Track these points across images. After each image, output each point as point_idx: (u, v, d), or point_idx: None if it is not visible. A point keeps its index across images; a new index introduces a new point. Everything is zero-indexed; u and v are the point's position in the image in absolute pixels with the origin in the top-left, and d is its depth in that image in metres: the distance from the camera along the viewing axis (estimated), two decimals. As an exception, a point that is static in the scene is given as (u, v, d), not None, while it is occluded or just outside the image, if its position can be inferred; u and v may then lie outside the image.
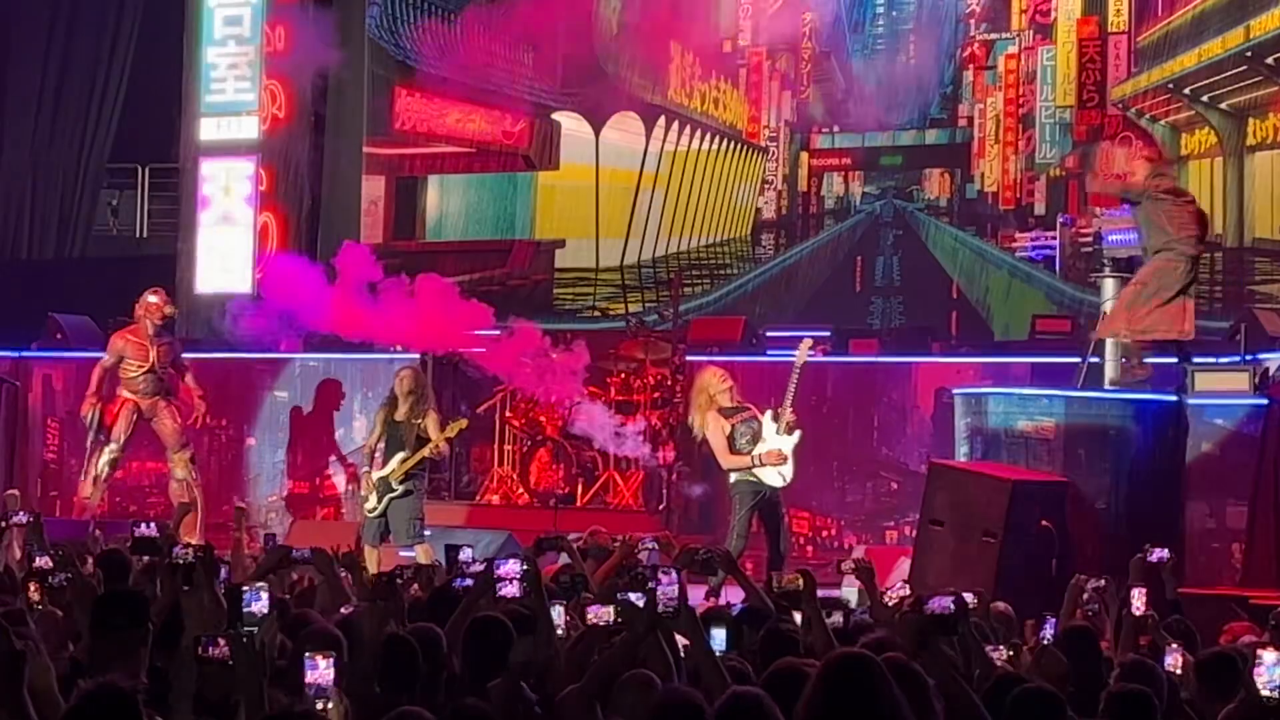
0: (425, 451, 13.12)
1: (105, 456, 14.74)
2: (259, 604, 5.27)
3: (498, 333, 15.26)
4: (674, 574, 5.64)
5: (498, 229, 20.96)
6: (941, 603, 5.78)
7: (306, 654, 4.92)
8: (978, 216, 19.18)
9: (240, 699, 4.92)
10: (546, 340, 15.26)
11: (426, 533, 13.21)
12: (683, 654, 5.67)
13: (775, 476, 12.57)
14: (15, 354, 17.27)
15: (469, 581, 7.66)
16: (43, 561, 7.64)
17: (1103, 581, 8.12)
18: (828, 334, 15.51)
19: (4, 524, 9.15)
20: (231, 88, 19.34)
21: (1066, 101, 18.64)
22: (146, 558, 7.95)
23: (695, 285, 19.86)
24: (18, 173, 21.00)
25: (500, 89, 20.28)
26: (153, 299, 14.88)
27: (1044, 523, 11.79)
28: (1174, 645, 7.01)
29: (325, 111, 19.66)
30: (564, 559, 9.58)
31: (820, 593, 6.93)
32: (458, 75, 19.86)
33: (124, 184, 21.53)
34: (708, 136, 20.34)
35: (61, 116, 20.96)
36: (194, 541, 8.32)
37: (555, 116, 20.40)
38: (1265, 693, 5.18)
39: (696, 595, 10.25)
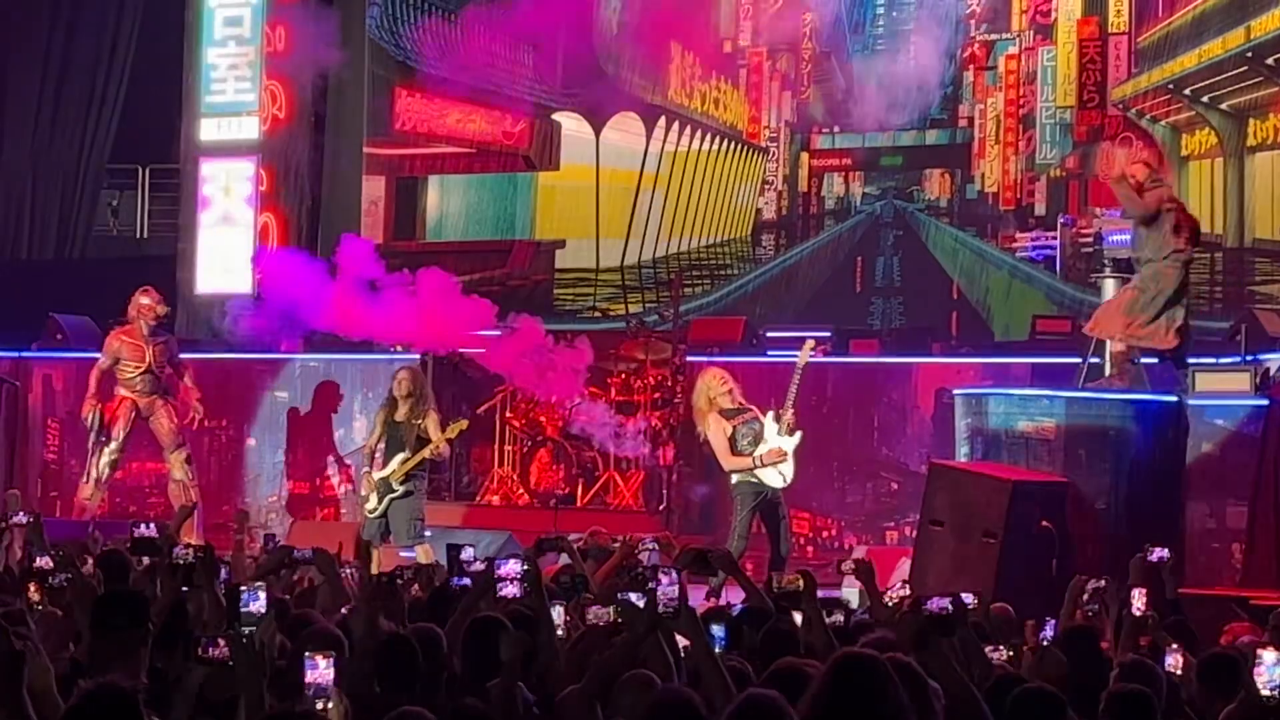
0: (426, 452, 13.12)
1: (105, 458, 14.74)
2: (256, 604, 5.27)
3: (499, 333, 15.24)
4: (674, 574, 5.63)
5: (498, 229, 20.96)
6: (940, 603, 5.79)
7: (306, 654, 4.92)
8: (978, 217, 19.18)
9: (240, 699, 4.93)
10: (549, 337, 15.24)
11: (427, 533, 13.21)
12: (683, 654, 5.67)
13: (776, 477, 12.58)
14: (15, 354, 17.27)
15: (466, 580, 7.66)
16: (43, 562, 7.64)
17: (1103, 582, 8.12)
18: (828, 334, 15.52)
19: (4, 524, 9.14)
20: (232, 88, 19.34)
21: (1067, 102, 18.64)
22: (147, 558, 7.95)
23: (695, 286, 19.85)
24: (18, 173, 21.00)
25: (500, 89, 20.28)
26: (144, 300, 14.87)
27: (1044, 523, 11.79)
28: (1174, 646, 7.01)
29: (325, 112, 19.66)
30: (564, 559, 9.59)
31: (820, 593, 6.93)
32: (458, 75, 19.85)
33: (124, 184, 21.53)
34: (708, 137, 20.34)
35: (62, 117, 20.96)
36: (194, 542, 8.33)
37: (555, 117, 20.39)
38: (1265, 692, 5.19)
39: (697, 596, 10.25)
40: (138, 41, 20.91)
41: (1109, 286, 13.48)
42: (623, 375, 16.33)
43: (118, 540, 9.83)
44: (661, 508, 15.72)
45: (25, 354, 17.30)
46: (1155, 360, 12.87)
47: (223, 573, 7.09)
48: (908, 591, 8.52)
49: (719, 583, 11.24)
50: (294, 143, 19.40)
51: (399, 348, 16.25)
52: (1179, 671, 6.61)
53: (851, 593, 9.22)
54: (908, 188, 19.65)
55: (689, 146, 20.33)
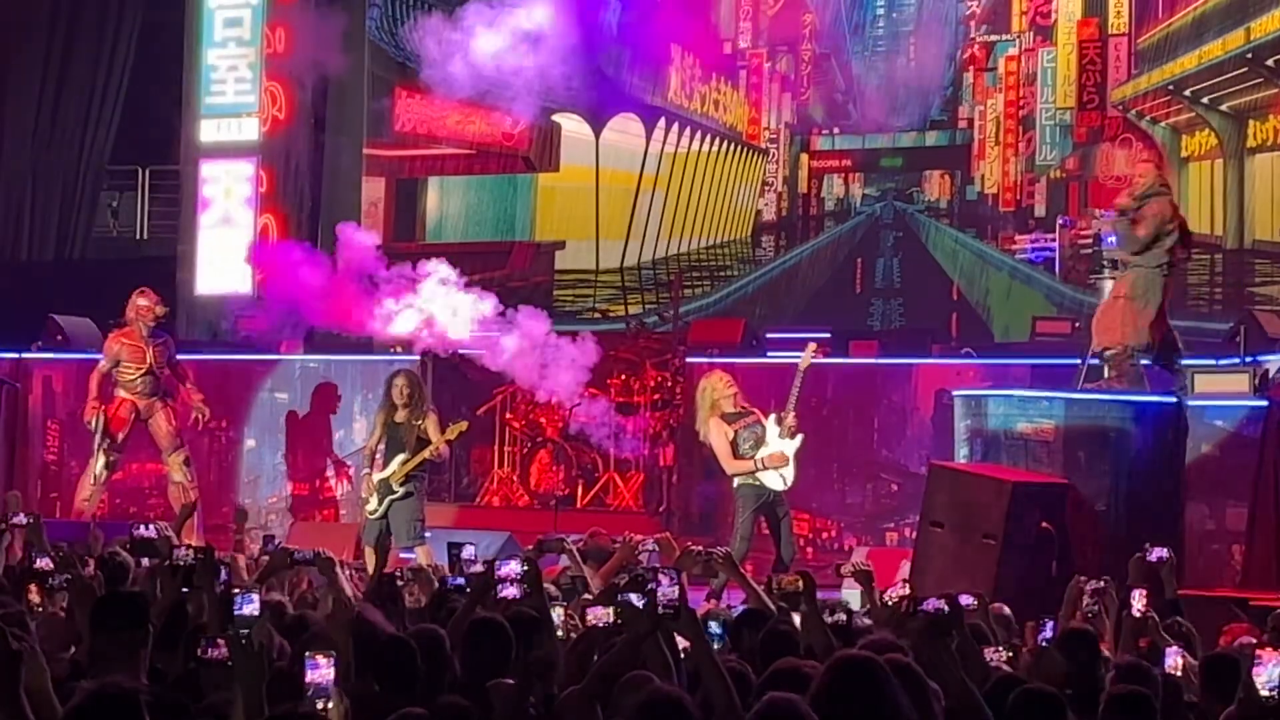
0: (426, 454, 13.11)
1: (103, 459, 14.73)
2: (250, 607, 5.27)
3: (498, 333, 15.19)
4: (674, 575, 5.63)
5: (498, 230, 20.97)
6: (936, 604, 5.80)
7: (307, 654, 4.92)
8: (978, 218, 19.20)
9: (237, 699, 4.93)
10: (552, 333, 15.20)
11: (427, 534, 13.20)
12: (683, 656, 5.67)
13: (777, 480, 12.58)
14: (15, 355, 17.26)
15: (461, 580, 7.66)
16: (43, 563, 7.63)
17: (1101, 583, 8.12)
18: (828, 335, 15.52)
19: (4, 525, 9.14)
20: (232, 89, 19.34)
21: (1067, 103, 18.65)
22: (148, 560, 7.95)
23: (695, 287, 19.87)
24: (18, 174, 20.99)
25: (501, 90, 20.27)
26: (142, 301, 14.86)
27: (1044, 524, 11.78)
28: (1174, 647, 7.01)
29: (325, 113, 19.67)
30: (564, 561, 9.59)
31: (820, 595, 6.93)
32: (458, 76, 19.83)
33: (124, 185, 21.53)
34: (708, 138, 20.35)
35: (62, 118, 20.95)
36: (194, 543, 8.33)
37: (555, 118, 20.40)
38: (1265, 693, 5.19)
39: (698, 598, 10.24)
40: (138, 43, 20.91)
41: (1108, 288, 13.47)
42: (622, 377, 16.32)
43: (118, 541, 9.83)
44: (661, 509, 15.72)
45: (25, 355, 17.29)
46: (1147, 362, 12.87)
47: (222, 574, 7.08)
48: (907, 591, 8.51)
49: (720, 584, 11.24)
50: (294, 144, 19.40)
51: (399, 348, 16.23)
52: (1179, 673, 6.61)
53: (852, 594, 9.21)
54: (908, 189, 19.66)
55: (689, 148, 20.34)
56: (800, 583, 6.92)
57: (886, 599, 7.89)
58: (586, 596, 8.22)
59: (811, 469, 14.20)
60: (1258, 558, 12.00)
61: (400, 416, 13.20)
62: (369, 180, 20.44)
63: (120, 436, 14.84)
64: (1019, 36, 19.01)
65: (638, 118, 20.32)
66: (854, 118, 19.85)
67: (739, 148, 20.28)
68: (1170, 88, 18.10)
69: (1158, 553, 8.42)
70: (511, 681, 5.76)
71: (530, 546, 9.84)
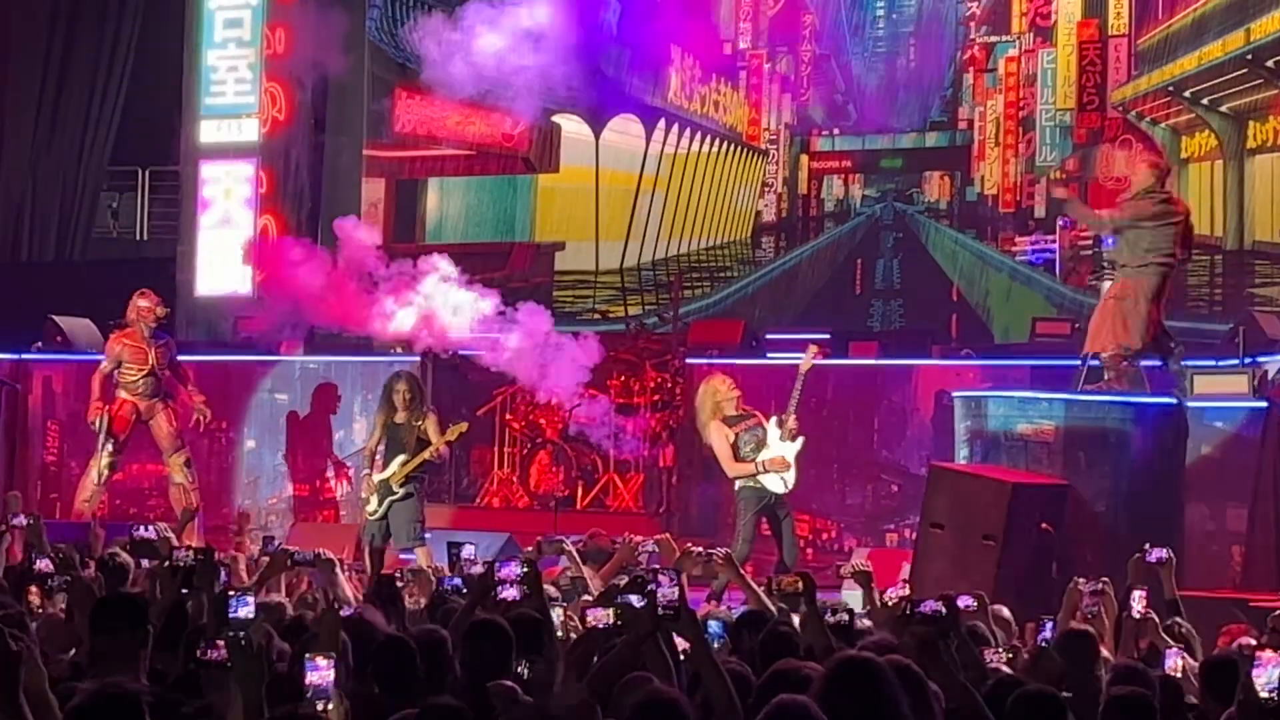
0: (426, 455, 13.11)
1: (103, 460, 14.72)
2: (245, 609, 5.27)
3: (499, 335, 15.18)
4: (673, 576, 5.63)
5: (498, 231, 20.97)
6: (933, 605, 5.81)
7: (307, 655, 4.93)
8: (978, 219, 19.20)
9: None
10: (553, 332, 15.19)
11: (427, 535, 13.20)
12: (683, 657, 5.67)
13: (778, 482, 12.58)
14: (15, 356, 17.25)
15: (458, 580, 7.66)
16: (43, 565, 7.64)
17: (1099, 585, 8.12)
18: (828, 336, 15.51)
19: (4, 527, 9.14)
20: (232, 90, 19.34)
21: (1067, 104, 18.66)
22: (148, 561, 7.96)
23: (695, 288, 19.87)
24: (18, 175, 20.99)
25: (501, 91, 20.26)
26: (143, 302, 14.86)
27: (1044, 525, 11.79)
28: (1174, 648, 7.01)
29: (325, 114, 19.67)
30: (564, 562, 9.59)
31: (820, 596, 6.94)
32: (458, 77, 19.84)
33: (124, 186, 21.53)
34: (708, 139, 20.36)
35: (61, 119, 20.95)
36: (194, 544, 8.33)
37: (555, 119, 20.40)
38: (1264, 695, 5.19)
39: (698, 600, 10.24)
40: (138, 43, 20.91)
41: (1106, 289, 13.49)
42: (622, 378, 16.32)
43: (117, 542, 9.83)
44: (661, 510, 15.72)
45: (25, 356, 17.28)
46: (1159, 363, 12.88)
47: (222, 575, 7.09)
48: (908, 592, 8.52)
49: (721, 585, 11.24)
50: (294, 145, 19.40)
51: (398, 349, 16.23)
52: (1178, 674, 6.62)
53: (851, 595, 9.21)
54: (907, 190, 19.67)
55: (689, 149, 20.34)
56: (800, 584, 6.92)
57: (886, 600, 7.90)
58: (586, 598, 8.22)
59: (812, 470, 14.20)
60: (1257, 559, 12.01)
61: (400, 417, 13.20)
62: (369, 181, 20.44)
63: (122, 437, 14.85)
64: (1019, 37, 19.02)
65: (637, 118, 20.33)
66: (854, 119, 19.86)
67: (739, 149, 20.28)
68: (1170, 89, 18.11)
69: (1157, 553, 8.41)
70: (511, 683, 5.76)
71: (530, 548, 9.85)
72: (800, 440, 12.61)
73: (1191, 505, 12.32)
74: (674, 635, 5.53)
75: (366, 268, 15.04)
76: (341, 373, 16.89)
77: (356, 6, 19.80)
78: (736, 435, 12.59)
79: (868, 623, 7.33)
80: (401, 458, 13.07)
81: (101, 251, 21.19)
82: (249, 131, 19.24)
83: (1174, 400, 12.51)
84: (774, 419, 12.65)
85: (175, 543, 8.64)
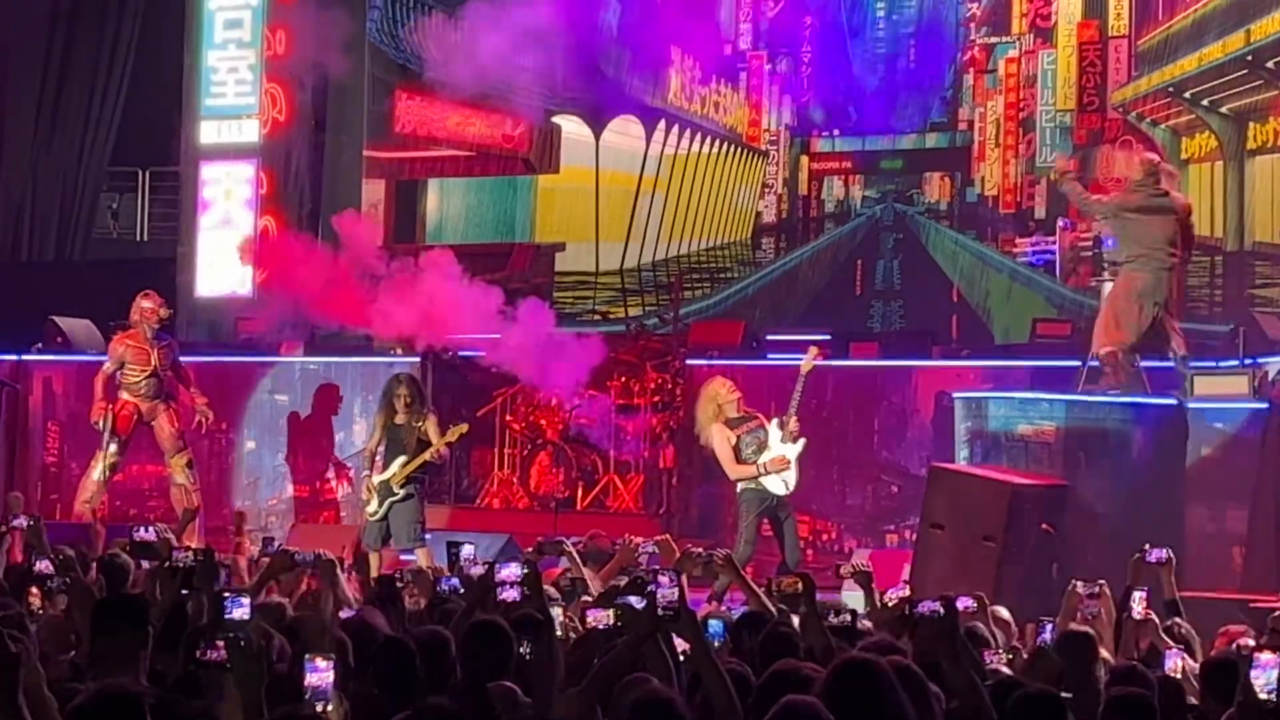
0: (426, 456, 13.11)
1: (104, 461, 14.72)
2: (239, 610, 5.27)
3: (499, 336, 15.17)
4: (673, 577, 5.63)
5: (498, 232, 20.98)
6: (931, 605, 5.81)
7: (306, 656, 4.92)
8: (978, 220, 19.20)
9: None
10: (556, 327, 15.17)
11: (427, 536, 13.20)
12: (683, 658, 5.67)
13: (779, 484, 12.57)
14: (15, 357, 17.25)
15: (455, 581, 7.66)
16: (43, 566, 7.63)
17: (1096, 588, 8.13)
18: (828, 337, 15.51)
19: (4, 528, 9.14)
20: (232, 91, 19.33)
21: (1067, 105, 18.66)
22: (148, 562, 7.95)
23: (695, 289, 19.87)
24: (18, 176, 20.99)
25: (501, 92, 20.29)
26: (146, 303, 14.87)
27: (1044, 526, 11.79)
28: (1174, 649, 7.01)
29: (325, 115, 19.66)
30: (564, 563, 9.59)
31: (820, 596, 6.94)
32: (459, 78, 19.86)
33: (124, 187, 21.53)
34: (708, 140, 20.36)
35: (62, 119, 20.95)
36: (194, 545, 8.33)
37: (555, 120, 20.40)
38: (1263, 695, 5.19)
39: (699, 601, 10.24)
40: (138, 44, 20.91)
41: (1106, 290, 13.51)
42: (622, 378, 16.33)
43: (117, 543, 9.83)
44: (661, 511, 15.72)
45: (25, 357, 17.28)
46: (1163, 362, 12.88)
47: (222, 576, 7.09)
48: (908, 593, 8.52)
49: (722, 587, 11.24)
50: (294, 146, 19.40)
51: (398, 350, 16.23)
52: (1178, 675, 6.62)
53: (851, 596, 9.21)
54: (908, 191, 19.67)
55: (689, 149, 20.34)
56: (800, 585, 6.92)
57: (887, 601, 7.90)
58: (586, 598, 8.21)
59: (812, 471, 14.20)
60: (1258, 559, 12.00)
61: (400, 419, 13.20)
62: (369, 182, 20.43)
63: (124, 437, 14.85)
64: (1019, 38, 19.02)
65: (638, 119, 20.33)
66: (854, 120, 19.86)
67: (739, 149, 20.28)
68: (1170, 90, 18.11)
69: (1157, 554, 8.41)
70: (511, 684, 5.76)
71: (530, 549, 9.85)
72: (802, 442, 12.61)
73: (1192, 506, 12.32)
74: (674, 636, 5.53)
75: (369, 261, 15.04)
76: (341, 374, 16.89)
77: (357, 7, 19.79)
78: (738, 437, 12.58)
79: (867, 624, 7.33)
80: (402, 459, 13.07)
81: (101, 252, 21.19)
82: (249, 132, 19.23)
83: (1174, 401, 12.52)
84: (775, 420, 12.65)
85: (175, 544, 8.64)
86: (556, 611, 7.01)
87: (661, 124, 20.31)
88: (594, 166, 20.50)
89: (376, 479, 13.14)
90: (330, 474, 16.64)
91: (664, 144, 20.33)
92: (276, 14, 19.11)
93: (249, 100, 19.25)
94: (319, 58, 18.27)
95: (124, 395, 14.82)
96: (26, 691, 4.69)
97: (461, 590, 7.57)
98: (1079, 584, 8.22)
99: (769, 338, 16.90)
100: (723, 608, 9.66)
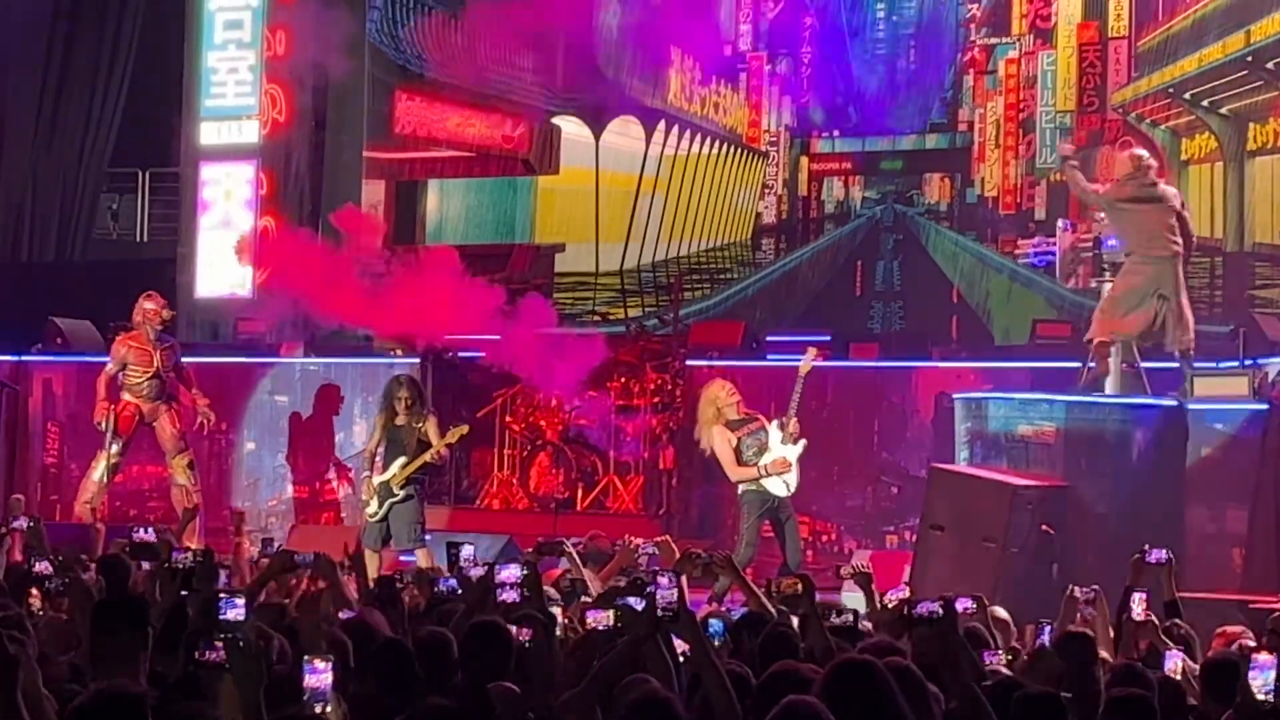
0: (426, 457, 13.10)
1: (106, 462, 14.72)
2: (234, 611, 5.27)
3: (499, 337, 15.17)
4: (672, 578, 5.63)
5: (498, 233, 20.97)
6: (929, 606, 5.81)
7: (305, 658, 4.92)
8: (978, 221, 19.19)
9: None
10: (556, 325, 15.17)
11: (427, 537, 13.21)
12: (682, 659, 5.67)
13: (780, 486, 12.56)
14: (15, 358, 17.26)
15: (453, 582, 7.66)
16: (42, 567, 7.63)
17: (1091, 593, 8.13)
18: (828, 338, 15.52)
19: (4, 529, 9.14)
20: (232, 92, 19.34)
21: (1067, 106, 18.65)
22: (147, 563, 7.95)
23: (695, 290, 19.86)
24: (18, 176, 20.99)
25: (500, 93, 20.30)
26: (149, 305, 14.87)
27: (1044, 527, 11.79)
28: (1174, 650, 7.01)
29: (325, 115, 19.66)
30: (564, 564, 9.59)
31: (820, 597, 6.94)
32: (459, 79, 19.88)
33: (124, 188, 21.53)
34: (708, 141, 20.35)
35: (62, 120, 20.95)
36: (194, 546, 8.32)
37: (555, 121, 20.40)
38: (1260, 696, 5.20)
39: (700, 602, 10.24)
40: (138, 45, 20.90)
41: (1106, 291, 13.53)
42: (622, 379, 16.33)
43: (117, 544, 9.83)
44: (661, 512, 15.72)
45: (25, 358, 17.29)
46: (1175, 363, 12.90)
47: (222, 577, 7.09)
48: (908, 594, 8.52)
49: (723, 588, 11.24)
50: (294, 146, 19.40)
51: (398, 351, 16.23)
52: (1178, 676, 6.61)
53: (851, 597, 9.21)
54: (908, 192, 19.67)
55: (689, 150, 20.34)
56: (800, 585, 6.92)
57: (887, 602, 7.90)
58: (586, 599, 8.21)
59: (812, 472, 14.20)
60: (1258, 560, 12.00)
61: (401, 420, 13.20)
62: (369, 182, 20.42)
63: (126, 438, 14.86)
64: (1019, 39, 19.01)
65: (637, 120, 20.32)
66: (854, 120, 19.84)
67: (739, 150, 20.27)
68: (1170, 91, 18.10)
69: (1157, 554, 8.41)
70: (511, 685, 5.76)
71: (530, 549, 9.85)
72: (802, 443, 12.59)
73: (1192, 507, 12.31)
74: (674, 637, 5.53)
75: (370, 253, 15.05)
76: (341, 374, 16.89)
77: (357, 8, 19.80)
78: (739, 439, 12.57)
79: (867, 625, 7.33)
80: (402, 460, 13.07)
81: (101, 253, 21.19)
82: (249, 133, 19.24)
83: (1174, 402, 12.52)
84: (775, 422, 12.64)
85: (175, 544, 8.64)
86: (556, 612, 7.01)
87: (661, 125, 20.30)
88: (594, 167, 20.49)
89: (376, 480, 13.14)
90: (331, 475, 16.64)
91: (664, 145, 20.32)
92: (276, 14, 19.12)
93: (249, 101, 19.26)
94: (319, 58, 18.29)
95: (126, 396, 14.82)
96: (24, 692, 4.69)
97: (459, 591, 7.57)
98: (1076, 590, 8.23)
99: (769, 339, 16.91)
100: (722, 609, 9.67)
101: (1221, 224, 17.55)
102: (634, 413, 16.17)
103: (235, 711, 4.91)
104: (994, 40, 19.17)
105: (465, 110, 20.35)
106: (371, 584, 8.44)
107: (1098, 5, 18.48)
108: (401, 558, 12.91)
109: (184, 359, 15.34)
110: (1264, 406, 12.35)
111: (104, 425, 14.71)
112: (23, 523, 9.05)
